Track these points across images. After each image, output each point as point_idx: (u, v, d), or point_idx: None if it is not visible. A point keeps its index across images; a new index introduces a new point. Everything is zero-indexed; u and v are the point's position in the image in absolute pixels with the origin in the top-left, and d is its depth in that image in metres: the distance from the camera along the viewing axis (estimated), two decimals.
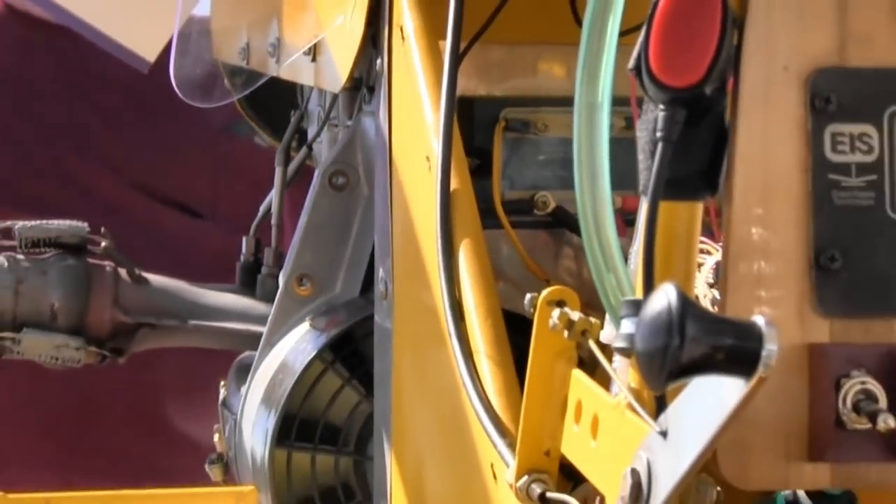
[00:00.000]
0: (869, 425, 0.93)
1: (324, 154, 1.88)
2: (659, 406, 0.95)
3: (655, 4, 0.96)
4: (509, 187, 1.59)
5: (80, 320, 1.95)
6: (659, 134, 0.95)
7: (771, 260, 0.98)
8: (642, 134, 0.98)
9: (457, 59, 1.41)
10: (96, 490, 2.03)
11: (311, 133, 1.94)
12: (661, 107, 0.96)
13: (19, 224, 1.97)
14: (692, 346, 0.83)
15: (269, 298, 1.88)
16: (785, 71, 0.98)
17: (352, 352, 1.67)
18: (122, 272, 1.99)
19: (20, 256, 1.96)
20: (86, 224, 2.00)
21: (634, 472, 0.94)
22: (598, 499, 1.07)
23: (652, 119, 0.97)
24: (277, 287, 1.83)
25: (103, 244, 1.98)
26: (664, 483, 0.93)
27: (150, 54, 2.46)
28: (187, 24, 2.10)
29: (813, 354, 0.97)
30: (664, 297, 0.85)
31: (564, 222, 1.59)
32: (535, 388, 1.10)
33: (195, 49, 2.07)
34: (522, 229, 1.58)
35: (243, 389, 1.81)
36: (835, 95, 0.98)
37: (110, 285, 1.96)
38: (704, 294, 1.31)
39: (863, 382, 0.94)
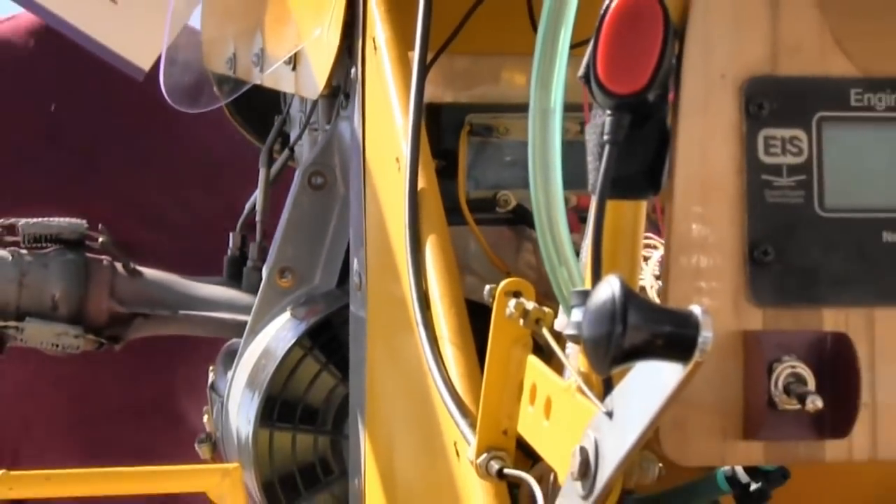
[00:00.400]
0: (798, 406, 0.94)
1: (304, 156, 1.89)
2: (606, 389, 0.96)
3: (602, 18, 0.96)
4: (474, 187, 1.60)
5: (79, 310, 1.97)
6: (606, 137, 0.95)
7: (709, 254, 0.99)
8: (591, 137, 0.98)
9: (424, 68, 1.42)
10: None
11: (293, 136, 1.95)
12: (608, 112, 0.96)
13: (22, 221, 1.98)
14: (634, 333, 0.84)
15: (253, 290, 1.89)
16: (722, 79, 0.99)
17: (329, 339, 1.67)
18: (118, 266, 2.01)
19: (23, 251, 1.97)
20: (84, 221, 2.00)
21: (583, 450, 0.95)
22: (552, 475, 1.07)
23: (600, 123, 0.97)
24: (261, 279, 1.83)
25: (101, 240, 2.00)
26: (610, 460, 0.93)
27: (146, 63, 2.44)
28: (179, 36, 2.10)
29: (747, 341, 0.97)
30: (608, 287, 0.86)
31: (524, 219, 1.59)
32: (494, 372, 1.10)
33: (185, 59, 2.07)
34: (486, 226, 1.59)
35: (230, 374, 1.82)
36: (767, 102, 0.99)
37: (107, 278, 1.98)
38: (651, 285, 1.32)
39: (793, 367, 0.95)
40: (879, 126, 1.02)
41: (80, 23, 2.40)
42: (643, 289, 1.23)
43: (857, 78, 1.02)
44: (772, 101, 1.00)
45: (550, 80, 1.00)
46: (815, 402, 0.94)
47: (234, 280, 2.06)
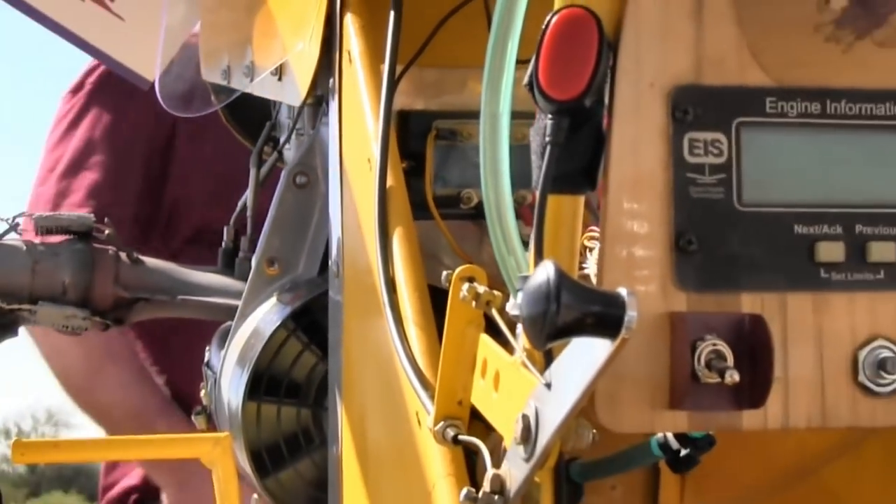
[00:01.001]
0: (719, 380, 0.95)
1: (289, 159, 1.93)
2: (547, 363, 0.96)
3: (544, 32, 0.97)
4: (440, 185, 1.60)
5: (87, 295, 1.95)
6: (547, 139, 0.96)
7: (639, 243, 0.99)
8: (535, 139, 0.99)
9: (394, 79, 1.42)
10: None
11: (281, 140, 1.95)
12: (549, 116, 0.97)
13: (35, 214, 1.98)
14: (566, 312, 0.85)
15: (244, 277, 1.88)
16: (651, 87, 0.99)
17: (311, 321, 1.67)
18: (122, 255, 2.00)
19: (36, 241, 1.97)
20: (91, 215, 2.00)
21: (525, 417, 0.96)
22: (502, 443, 1.10)
23: (542, 126, 0.97)
24: (251, 268, 1.83)
25: (107, 232, 1.98)
26: (548, 426, 0.94)
27: (151, 74, 2.37)
28: (175, 49, 2.07)
29: (673, 321, 0.98)
30: (544, 271, 0.87)
31: (485, 214, 1.67)
32: (450, 349, 1.11)
33: (181, 70, 2.05)
34: (451, 220, 1.59)
35: (222, 352, 1.81)
36: (691, 108, 0.99)
37: (112, 266, 1.97)
38: (594, 273, 1.30)
39: (714, 345, 0.96)
40: (791, 131, 1.03)
41: (88, 35, 2.37)
42: (588, 276, 1.23)
43: (772, 87, 1.02)
44: (695, 107, 1.00)
45: (499, 87, 1.00)
46: (733, 377, 0.95)
47: (228, 269, 2.04)
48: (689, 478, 1.64)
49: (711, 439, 1.17)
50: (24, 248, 1.95)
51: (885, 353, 1.01)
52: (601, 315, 0.85)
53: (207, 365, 1.93)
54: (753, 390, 0.98)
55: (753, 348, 0.98)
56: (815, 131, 1.04)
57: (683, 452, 1.20)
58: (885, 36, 1.04)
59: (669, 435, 1.17)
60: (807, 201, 1.03)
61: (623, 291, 0.86)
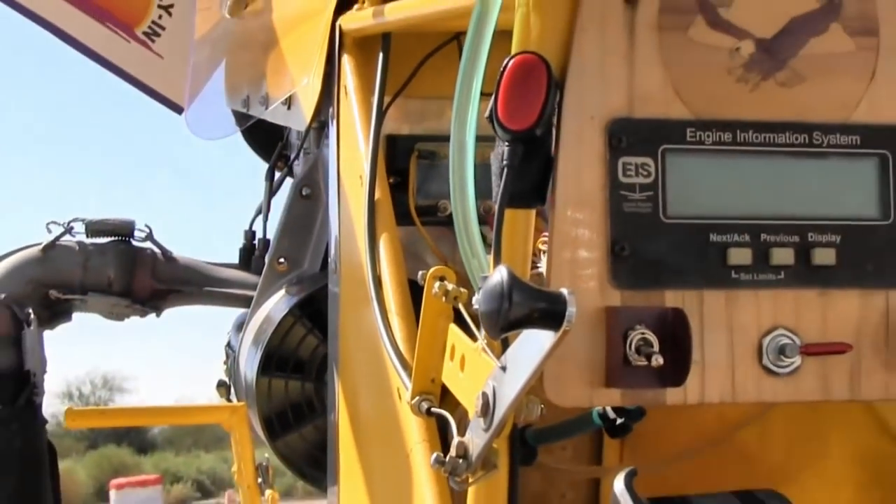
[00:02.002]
0: (646, 363, 0.96)
1: (296, 174, 1.92)
2: (503, 349, 0.97)
3: (502, 73, 0.96)
4: (422, 197, 1.60)
5: (129, 287, 1.98)
6: (504, 162, 0.96)
7: (581, 250, 0.99)
8: (494, 162, 0.99)
9: (381, 110, 1.42)
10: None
11: (291, 157, 1.95)
12: (506, 143, 0.97)
13: (87, 219, 1.98)
14: (517, 308, 0.85)
15: (258, 272, 1.89)
16: (591, 120, 1.00)
17: (314, 310, 1.67)
18: (158, 253, 2.01)
19: (87, 241, 1.99)
20: (134, 220, 2.01)
21: (484, 395, 0.97)
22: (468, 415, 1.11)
23: (500, 152, 0.98)
24: (264, 265, 1.83)
25: (145, 234, 2.01)
26: (504, 402, 0.95)
27: (181, 97, 2.37)
28: (207, 84, 2.08)
29: (608, 314, 0.98)
30: (499, 275, 0.87)
31: None
32: (424, 336, 1.11)
33: (208, 101, 2.06)
34: (431, 226, 1.59)
35: (240, 335, 1.82)
36: (625, 137, 1.00)
37: (150, 263, 2.00)
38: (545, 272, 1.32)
39: (642, 333, 0.97)
40: (707, 156, 1.03)
41: (133, 70, 2.36)
42: (541, 274, 1.20)
43: (691, 120, 1.02)
44: (628, 136, 1.01)
45: (465, 118, 1.01)
46: (658, 360, 0.96)
47: (245, 265, 2.07)
48: (627, 441, 1.65)
49: (642, 411, 1.18)
50: (77, 247, 1.97)
51: (785, 340, 1.02)
52: (546, 311, 0.85)
53: (228, 345, 1.93)
54: (675, 371, 0.99)
55: (675, 336, 0.99)
56: (728, 156, 1.04)
57: (619, 421, 1.22)
58: (785, 77, 1.04)
59: (608, 407, 1.17)
60: (720, 214, 1.03)
61: (565, 291, 0.86)
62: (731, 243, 1.03)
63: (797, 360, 1.03)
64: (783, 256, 1.03)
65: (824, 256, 1.04)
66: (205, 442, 19.60)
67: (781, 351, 1.02)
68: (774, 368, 1.02)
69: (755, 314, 1.03)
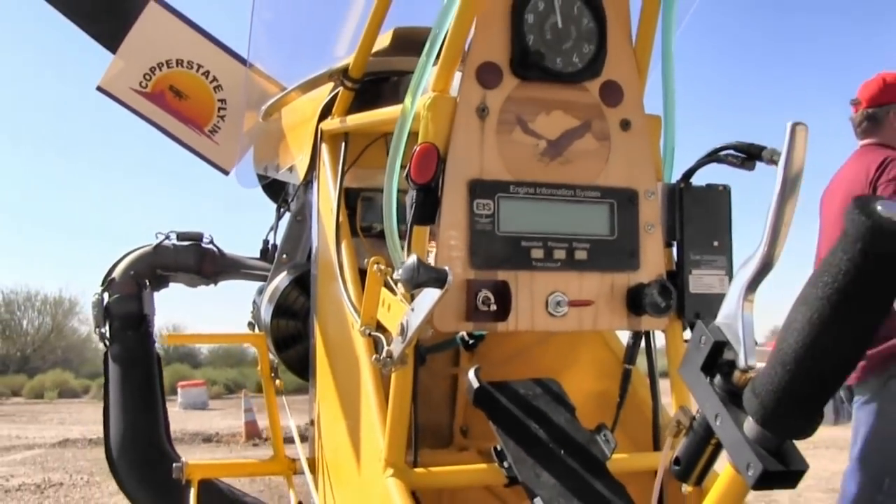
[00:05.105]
0: (487, 309, 1.16)
1: (293, 206, 2.09)
2: (412, 299, 1.13)
3: (413, 153, 1.14)
4: (364, 222, 1.80)
5: (199, 269, 2.35)
6: (412, 201, 1.13)
7: (454, 249, 1.18)
8: (408, 200, 1.15)
9: (343, 175, 1.59)
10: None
11: (290, 200, 2.20)
12: (414, 191, 1.14)
13: (177, 231, 2.35)
14: (422, 276, 1.04)
15: (271, 262, 2.19)
16: (460, 180, 1.17)
17: (303, 282, 1.89)
18: (216, 250, 2.37)
19: (177, 243, 2.35)
20: (203, 232, 2.37)
21: (401, 324, 1.13)
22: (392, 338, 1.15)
23: (411, 195, 1.14)
24: (275, 258, 2.13)
25: (209, 240, 2.35)
26: (412, 327, 1.13)
27: (229, 167, 2.63)
28: (245, 157, 2.33)
29: (468, 283, 1.16)
30: (412, 259, 1.04)
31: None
32: (368, 293, 1.25)
33: (246, 167, 2.38)
34: (371, 238, 1.78)
35: (261, 297, 2.06)
36: (477, 188, 1.18)
37: (211, 255, 2.38)
38: (433, 261, 1.35)
39: (485, 293, 1.17)
40: (521, 200, 1.21)
41: (198, 148, 2.59)
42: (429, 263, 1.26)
43: (513, 180, 1.20)
44: (479, 188, 1.18)
45: (392, 178, 1.17)
46: (493, 307, 1.14)
47: (262, 258, 2.39)
48: (474, 353, 1.84)
49: (483, 336, 1.32)
50: (172, 247, 2.32)
51: (560, 298, 1.20)
52: (436, 278, 1.03)
53: (253, 302, 2.17)
54: (502, 313, 1.16)
55: (503, 295, 1.16)
56: (533, 201, 1.20)
57: (471, 342, 1.41)
58: (562, 160, 1.22)
59: (463, 333, 1.32)
60: (527, 231, 1.19)
61: (446, 268, 1.02)
62: (532, 246, 1.20)
63: (566, 309, 1.19)
64: (560, 254, 1.20)
65: (581, 254, 1.21)
66: (230, 362, 24.72)
67: (558, 304, 1.20)
68: (554, 313, 1.20)
69: (544, 284, 1.19)
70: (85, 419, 13.73)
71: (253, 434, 9.95)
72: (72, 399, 21.06)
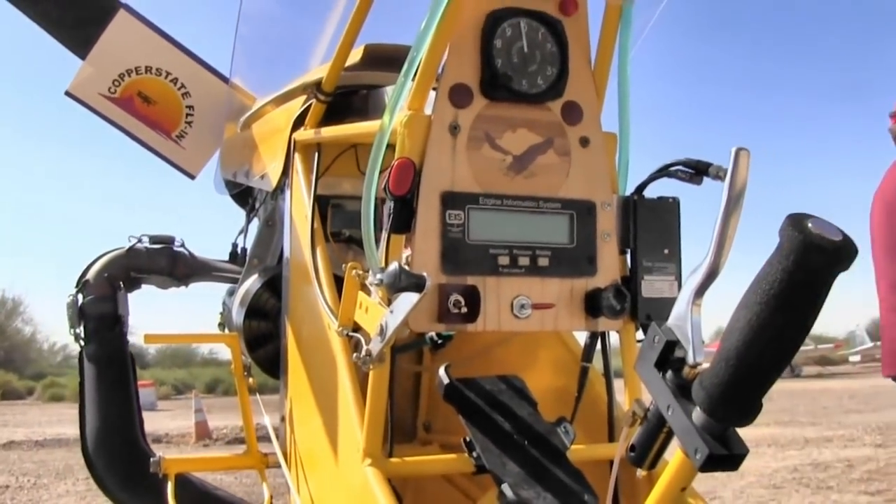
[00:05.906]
0: (458, 311, 1.21)
1: (263, 212, 2.11)
2: (390, 303, 1.16)
3: (391, 167, 1.19)
4: (334, 227, 1.81)
5: (171, 272, 2.35)
6: (391, 211, 1.19)
7: (427, 255, 1.22)
8: (385, 211, 1.19)
9: (315, 182, 1.62)
10: None
11: (257, 206, 2.23)
12: (392, 202, 1.18)
13: (149, 234, 2.38)
14: (403, 280, 1.09)
15: (242, 265, 2.22)
16: (434, 191, 1.22)
17: (274, 287, 1.91)
18: (187, 252, 2.36)
19: (150, 246, 2.35)
20: (174, 235, 2.37)
21: (380, 325, 1.17)
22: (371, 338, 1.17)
23: (389, 206, 1.19)
24: (245, 261, 2.13)
25: (181, 242, 2.36)
26: (390, 328, 1.17)
27: (196, 171, 2.66)
28: (220, 166, 2.31)
29: (440, 287, 1.21)
30: (394, 265, 1.10)
31: (355, 241, 1.79)
32: (346, 296, 1.28)
33: (221, 176, 2.35)
34: (340, 243, 1.80)
35: (231, 298, 2.06)
36: (449, 200, 1.24)
37: (183, 258, 2.38)
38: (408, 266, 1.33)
39: (456, 297, 1.23)
40: (489, 210, 1.26)
41: (162, 151, 2.59)
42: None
43: (482, 192, 1.26)
44: (451, 200, 1.22)
45: (371, 189, 1.20)
46: (463, 309, 1.20)
47: (232, 261, 2.42)
48: (439, 353, 1.85)
49: (451, 336, 1.35)
50: (145, 249, 2.32)
51: (524, 301, 1.26)
52: (415, 283, 1.08)
53: (223, 303, 2.20)
54: (471, 315, 1.21)
55: (472, 298, 1.21)
56: (500, 212, 1.25)
57: (440, 341, 1.42)
58: (527, 174, 1.28)
59: (433, 334, 1.36)
60: (495, 240, 1.25)
61: (424, 273, 1.07)
62: (499, 254, 1.26)
63: (530, 311, 1.25)
64: (524, 261, 1.26)
65: (544, 261, 1.26)
66: (178, 362, 25.15)
67: (522, 306, 1.26)
68: (519, 315, 1.25)
69: (510, 289, 1.24)
70: (30, 421, 13.55)
71: (203, 434, 9.92)
72: (15, 401, 20.65)
